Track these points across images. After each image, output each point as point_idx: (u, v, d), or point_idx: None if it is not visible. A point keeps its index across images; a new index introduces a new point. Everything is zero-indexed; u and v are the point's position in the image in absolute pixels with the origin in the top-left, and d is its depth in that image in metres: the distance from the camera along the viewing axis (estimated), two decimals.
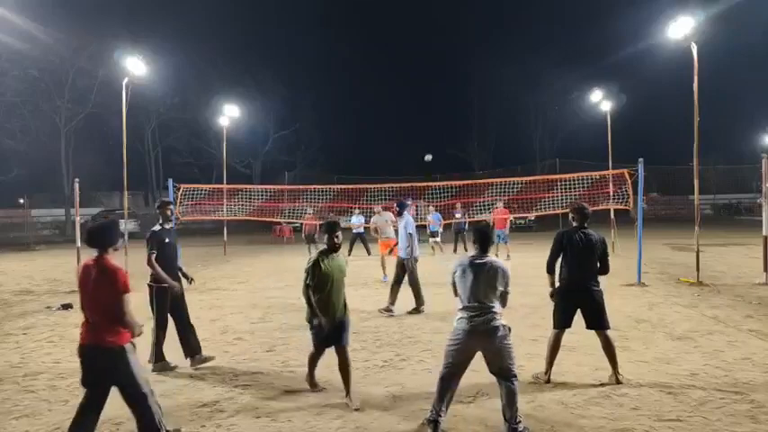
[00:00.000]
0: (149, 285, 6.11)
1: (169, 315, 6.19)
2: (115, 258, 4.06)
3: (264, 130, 44.47)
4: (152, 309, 6.13)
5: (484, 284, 4.32)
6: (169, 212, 6.41)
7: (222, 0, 45.56)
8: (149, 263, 6.02)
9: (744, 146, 42.38)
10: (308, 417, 4.72)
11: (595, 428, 4.38)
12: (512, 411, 4.21)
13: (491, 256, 4.48)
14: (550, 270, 5.51)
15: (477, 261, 4.40)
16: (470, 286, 4.33)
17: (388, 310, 8.84)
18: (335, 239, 5.07)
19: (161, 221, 6.31)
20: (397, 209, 9.41)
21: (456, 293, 4.52)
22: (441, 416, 4.30)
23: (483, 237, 4.50)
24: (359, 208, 17.66)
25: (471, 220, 19.06)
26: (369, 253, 17.38)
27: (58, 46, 30.65)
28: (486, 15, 69.00)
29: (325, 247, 5.12)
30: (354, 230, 17.52)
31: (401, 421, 4.60)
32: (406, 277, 9.14)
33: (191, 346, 6.18)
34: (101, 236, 4.04)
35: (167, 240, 6.16)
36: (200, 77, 40.09)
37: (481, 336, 4.25)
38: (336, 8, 65.02)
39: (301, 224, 19.08)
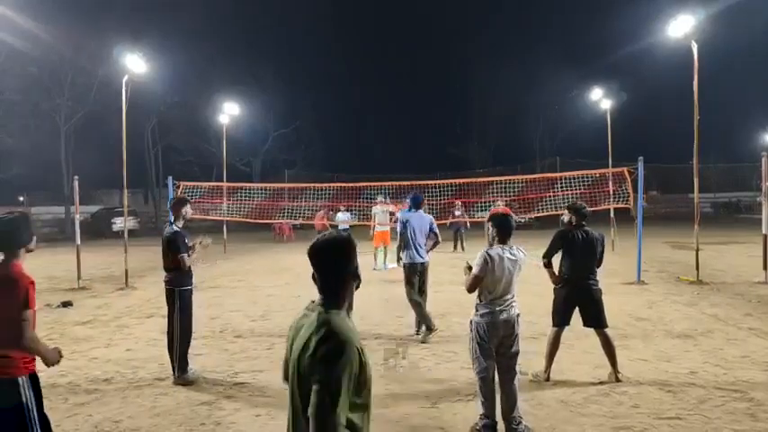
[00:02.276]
0: (170, 289, 5.71)
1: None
2: (25, 263, 3.21)
3: (264, 129, 44.47)
4: (173, 314, 5.69)
5: (515, 278, 4.30)
6: (184, 212, 5.98)
7: None
8: (183, 264, 5.63)
9: (744, 144, 42.39)
10: None
11: (595, 426, 4.38)
12: (512, 410, 4.21)
13: (515, 247, 4.37)
14: (548, 264, 5.49)
15: (512, 254, 4.28)
16: (505, 280, 4.24)
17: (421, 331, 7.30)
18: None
19: (173, 220, 5.96)
20: (411, 204, 7.64)
21: (474, 287, 4.33)
22: (496, 419, 4.25)
23: (505, 225, 4.37)
24: (344, 206, 17.87)
25: (470, 219, 19.07)
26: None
27: (58, 44, 30.61)
28: (486, 14, 68.93)
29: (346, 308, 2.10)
30: (341, 227, 17.80)
31: (401, 419, 4.60)
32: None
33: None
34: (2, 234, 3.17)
35: (186, 240, 5.89)
36: (200, 75, 40.04)
37: (505, 325, 4.25)
38: (337, 7, 64.94)
39: (301, 224, 19.22)
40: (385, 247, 15.01)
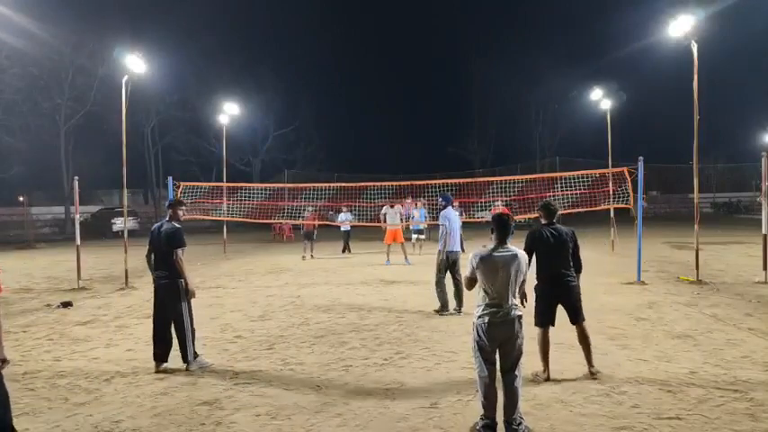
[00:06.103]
0: (172, 282, 5.95)
1: (154, 316, 6.15)
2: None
3: (264, 128, 44.50)
4: (181, 305, 5.97)
5: (513, 279, 4.25)
6: (181, 213, 6.26)
7: None
8: (177, 257, 5.89)
9: (744, 144, 42.45)
10: (307, 415, 4.72)
11: (595, 426, 4.38)
12: (514, 411, 4.21)
13: (513, 247, 4.36)
14: None
15: (505, 254, 4.27)
16: (499, 281, 4.21)
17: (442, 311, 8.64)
18: None
19: (169, 219, 6.16)
20: (443, 202, 8.96)
21: (470, 286, 4.39)
22: (496, 420, 4.24)
23: (503, 225, 4.37)
24: (346, 206, 18.40)
25: (468, 220, 19.06)
26: (348, 251, 18.46)
27: (58, 43, 30.67)
28: (486, 13, 68.94)
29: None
30: (342, 228, 17.98)
31: (400, 419, 4.60)
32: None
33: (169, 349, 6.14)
34: None
35: (183, 237, 6.09)
36: (199, 75, 40.12)
37: (505, 327, 4.22)
38: (337, 6, 64.96)
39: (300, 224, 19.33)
40: (402, 244, 15.69)
